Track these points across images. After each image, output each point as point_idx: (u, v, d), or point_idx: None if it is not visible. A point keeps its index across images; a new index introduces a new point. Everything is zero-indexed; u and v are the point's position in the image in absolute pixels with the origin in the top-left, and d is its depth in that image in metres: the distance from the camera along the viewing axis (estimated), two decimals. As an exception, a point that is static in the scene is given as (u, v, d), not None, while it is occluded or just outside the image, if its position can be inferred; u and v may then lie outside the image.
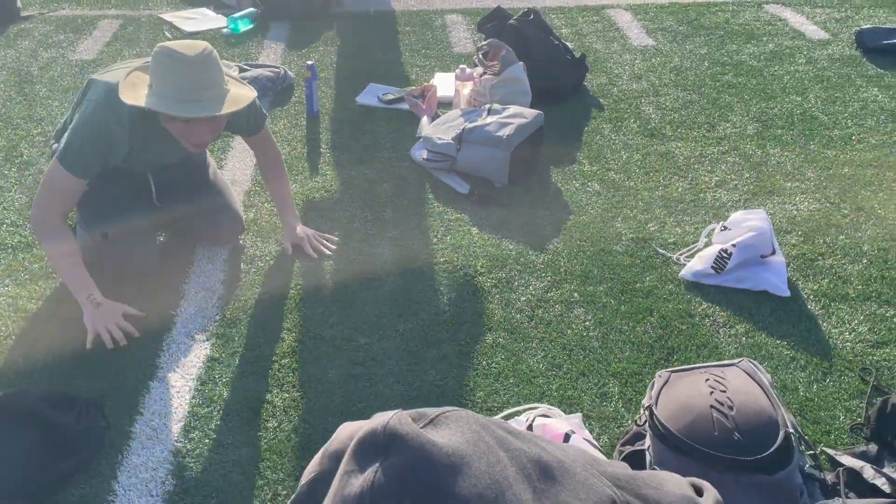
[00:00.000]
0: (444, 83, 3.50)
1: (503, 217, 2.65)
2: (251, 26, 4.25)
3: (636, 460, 1.57)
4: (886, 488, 1.54)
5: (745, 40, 4.22)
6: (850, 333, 2.11)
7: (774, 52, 4.05)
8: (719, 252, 2.28)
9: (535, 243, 2.50)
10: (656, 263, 2.41)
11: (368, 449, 0.79)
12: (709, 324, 2.15)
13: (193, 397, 1.91)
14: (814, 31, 4.34)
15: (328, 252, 2.42)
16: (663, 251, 2.45)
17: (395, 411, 0.83)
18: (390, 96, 3.49)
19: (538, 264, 2.40)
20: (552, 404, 1.87)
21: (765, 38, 4.23)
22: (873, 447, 1.70)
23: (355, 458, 0.80)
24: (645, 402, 1.65)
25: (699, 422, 1.43)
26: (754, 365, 1.64)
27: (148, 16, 4.44)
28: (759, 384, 1.55)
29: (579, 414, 1.81)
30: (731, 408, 1.45)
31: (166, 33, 4.17)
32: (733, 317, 2.18)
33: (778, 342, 2.08)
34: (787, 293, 2.24)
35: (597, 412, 1.86)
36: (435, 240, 2.52)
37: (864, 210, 2.67)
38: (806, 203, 2.72)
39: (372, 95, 3.53)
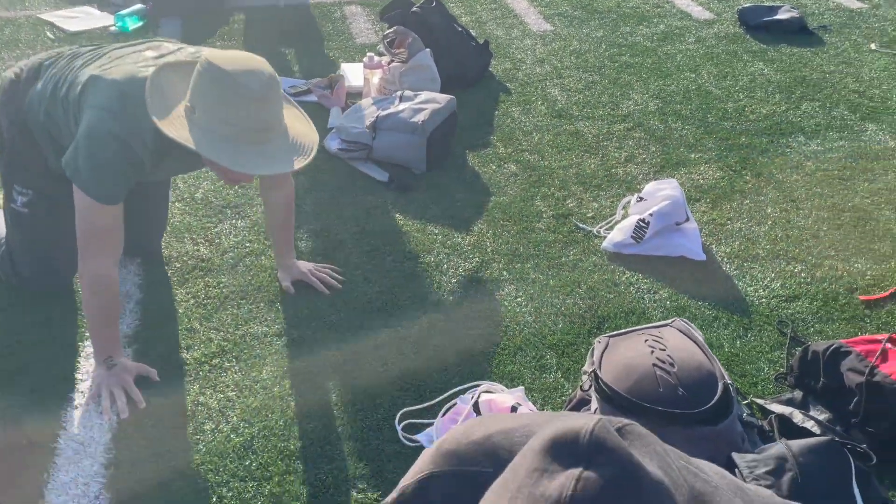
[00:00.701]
0: (351, 73, 3.46)
1: (425, 202, 2.64)
2: (140, 23, 4.06)
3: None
4: (816, 430, 1.64)
5: (636, 22, 4.36)
6: (763, 290, 2.22)
7: (665, 33, 4.21)
8: (637, 222, 2.36)
9: (459, 226, 2.51)
10: (578, 238, 2.46)
11: (568, 451, 0.71)
12: (634, 291, 2.22)
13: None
14: (699, 12, 4.54)
15: (339, 285, 2.20)
16: (583, 225, 2.51)
17: (596, 417, 0.76)
18: (298, 88, 3.42)
19: (465, 246, 2.41)
20: (493, 380, 1.89)
21: (655, 20, 4.40)
22: (798, 394, 1.80)
23: (550, 457, 0.72)
24: (586, 367, 1.68)
25: (644, 380, 1.48)
26: (687, 323, 1.70)
27: (26, 17, 4.17)
28: (694, 341, 1.61)
29: (521, 387, 1.83)
30: (672, 364, 1.50)
31: (48, 34, 3.92)
32: (656, 283, 2.25)
33: (700, 303, 2.17)
34: (703, 257, 2.34)
35: (538, 384, 1.89)
36: (357, 228, 2.49)
37: (763, 175, 2.82)
38: (710, 172, 2.84)
39: (277, 89, 3.44)
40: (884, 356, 1.70)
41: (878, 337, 1.79)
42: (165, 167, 1.82)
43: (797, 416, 1.68)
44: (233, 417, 1.79)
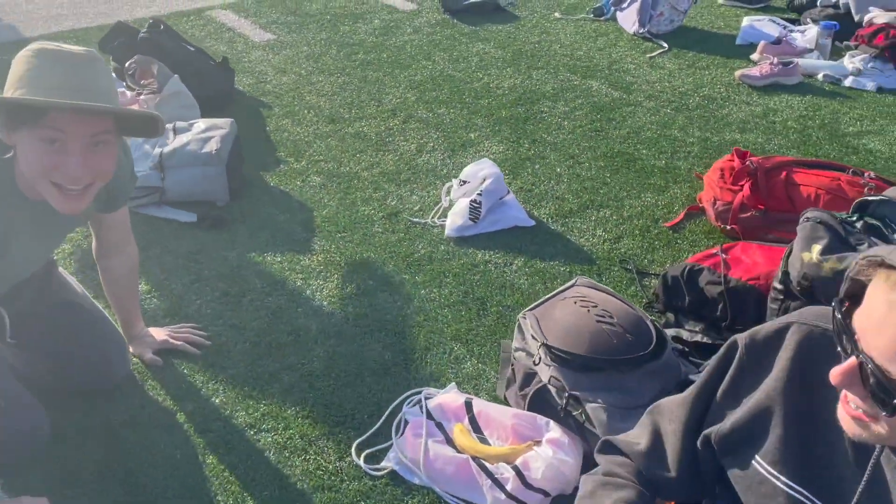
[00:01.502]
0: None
1: (249, 233, 2.49)
2: None
3: (539, 398, 1.69)
4: (706, 339, 1.92)
5: (352, 21, 4.47)
6: (592, 238, 2.49)
7: (384, 28, 4.38)
8: (470, 203, 2.48)
9: (299, 249, 2.42)
10: (418, 231, 2.52)
11: None
12: (493, 267, 2.35)
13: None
14: (402, 4, 4.78)
15: (206, 342, 2.00)
16: (417, 219, 2.57)
17: None
18: None
19: (316, 266, 2.33)
20: (418, 387, 1.89)
21: (368, 17, 4.54)
22: (670, 316, 2.08)
23: None
24: (519, 344, 1.77)
25: (597, 338, 1.61)
26: (587, 279, 1.87)
27: None
28: (606, 292, 1.78)
29: (452, 384, 1.86)
30: (611, 317, 1.65)
31: None
32: (506, 255, 2.40)
33: (551, 263, 2.37)
34: (532, 222, 2.55)
35: (462, 376, 1.93)
36: (191, 278, 2.27)
37: (538, 140, 3.12)
38: (494, 146, 3.07)
39: None
40: (726, 265, 2.04)
41: (713, 251, 2.13)
42: (18, 241, 1.49)
43: (685, 334, 1.95)
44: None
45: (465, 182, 2.56)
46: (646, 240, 2.48)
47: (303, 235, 2.49)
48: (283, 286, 2.25)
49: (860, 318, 0.85)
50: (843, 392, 0.88)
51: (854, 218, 1.84)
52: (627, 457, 1.16)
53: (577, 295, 1.74)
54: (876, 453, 0.92)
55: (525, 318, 1.78)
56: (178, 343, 1.97)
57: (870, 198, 1.85)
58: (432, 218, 2.58)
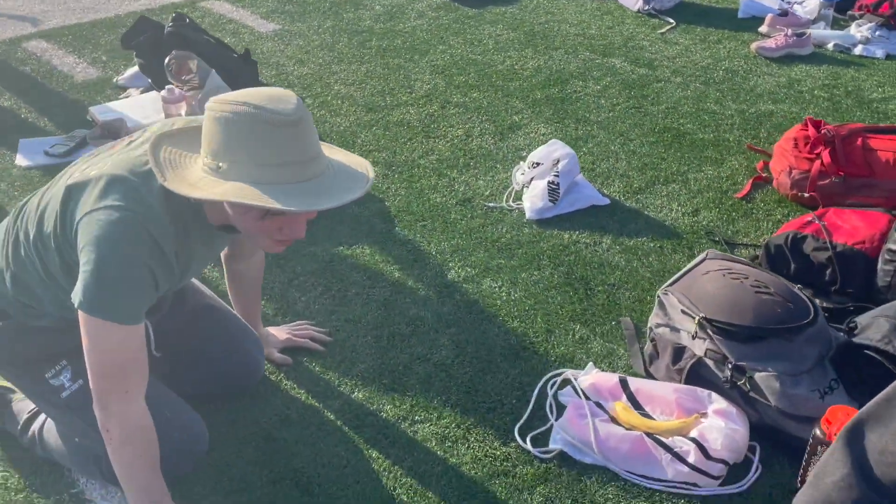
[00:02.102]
0: (138, 110, 2.95)
1: (327, 227, 2.44)
2: None
3: (694, 372, 1.72)
4: (826, 304, 1.97)
5: (353, 7, 4.39)
6: (670, 213, 2.53)
7: (387, 13, 4.31)
8: (548, 185, 2.49)
9: (382, 239, 2.38)
10: (497, 216, 2.51)
11: None
12: (584, 247, 2.36)
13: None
14: (401, -12, 4.73)
15: (328, 337, 1.97)
16: (492, 204, 2.56)
17: None
18: (65, 146, 2.82)
19: (408, 256, 2.31)
20: (554, 368, 1.89)
21: (366, 3, 4.46)
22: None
23: None
24: (659, 320, 1.80)
25: (761, 307, 1.64)
26: (716, 252, 1.90)
27: None
28: (744, 263, 1.82)
29: (590, 363, 1.88)
30: (767, 287, 1.68)
31: None
32: (592, 234, 2.42)
33: (638, 239, 2.39)
34: (607, 200, 2.57)
35: (593, 356, 1.94)
36: (289, 277, 2.21)
37: (581, 120, 3.14)
38: (542, 127, 3.08)
39: (34, 153, 2.81)
40: (827, 231, 2.10)
41: (806, 218, 2.20)
42: (189, 258, 1.44)
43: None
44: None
45: (537, 164, 2.56)
46: (722, 211, 2.53)
47: (383, 226, 2.45)
48: (383, 278, 2.21)
49: None
50: None
51: None
52: None
53: (722, 268, 1.77)
54: None
55: (667, 294, 1.80)
56: (302, 341, 1.93)
57: None
58: (507, 202, 2.57)
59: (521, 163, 2.64)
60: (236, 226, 1.38)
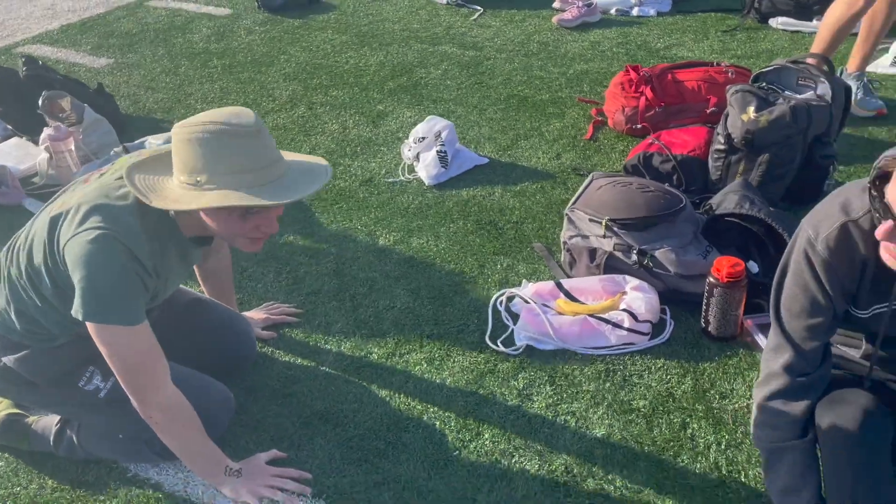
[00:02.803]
0: (10, 158, 2.94)
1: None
2: None
3: (609, 264, 2.18)
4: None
5: (179, 33, 4.51)
6: (539, 160, 3.01)
7: (216, 34, 4.48)
8: (437, 154, 2.87)
9: (306, 223, 2.64)
10: (400, 188, 2.85)
11: None
12: (482, 199, 2.77)
13: None
14: (216, 10, 4.88)
15: (300, 310, 2.21)
16: (391, 179, 2.90)
17: None
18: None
19: (336, 231, 2.59)
20: (496, 291, 2.28)
21: (191, 27, 4.59)
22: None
23: None
24: (571, 232, 2.24)
25: (648, 202, 2.12)
26: (599, 172, 2.38)
27: None
28: (622, 175, 2.31)
29: (524, 280, 2.28)
30: (648, 187, 2.18)
31: None
32: (484, 188, 2.83)
33: (523, 184, 2.84)
34: (486, 160, 3.00)
35: (521, 276, 2.35)
36: (243, 267, 2.41)
37: (439, 100, 3.55)
38: (407, 111, 3.45)
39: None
40: (666, 147, 2.66)
41: (648, 140, 2.74)
42: (167, 273, 1.63)
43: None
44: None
45: (422, 139, 2.93)
46: (577, 152, 3.05)
47: (303, 215, 2.71)
48: (323, 254, 2.48)
49: (892, 196, 1.23)
50: (884, 242, 1.27)
51: (756, 85, 2.54)
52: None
53: (610, 181, 2.25)
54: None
55: (573, 210, 2.25)
56: (279, 317, 2.16)
57: (764, 69, 2.56)
58: (403, 175, 2.92)
59: (407, 140, 3.00)
60: (216, 232, 1.57)
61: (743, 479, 1.67)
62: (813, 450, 1.46)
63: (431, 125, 2.96)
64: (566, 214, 2.29)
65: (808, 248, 1.41)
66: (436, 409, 1.90)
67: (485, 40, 4.23)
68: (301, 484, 1.70)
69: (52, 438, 1.79)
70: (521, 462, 1.75)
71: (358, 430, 1.86)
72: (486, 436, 1.83)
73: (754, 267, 2.11)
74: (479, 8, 4.71)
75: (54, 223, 1.53)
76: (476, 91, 3.62)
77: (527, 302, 2.14)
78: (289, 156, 1.62)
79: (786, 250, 1.49)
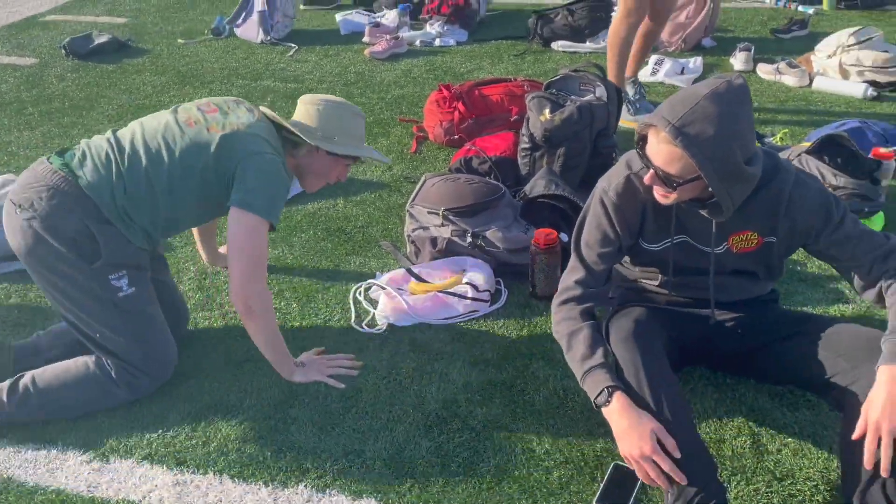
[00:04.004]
0: None
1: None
2: None
3: (449, 249, 2.53)
4: (499, 192, 2.94)
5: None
6: (375, 172, 3.32)
7: (27, 83, 4.41)
8: (280, 175, 3.10)
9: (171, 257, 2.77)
10: (248, 209, 3.04)
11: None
12: (326, 211, 3.03)
13: None
14: (21, 60, 4.79)
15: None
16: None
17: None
18: None
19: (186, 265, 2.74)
20: (354, 284, 2.55)
21: (-2, 75, 4.48)
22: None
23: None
24: (413, 226, 2.57)
25: (475, 191, 2.50)
26: (430, 174, 2.73)
27: None
28: (448, 173, 2.68)
29: (377, 272, 2.57)
30: (472, 180, 2.56)
31: None
32: (324, 202, 3.10)
33: (363, 194, 3.14)
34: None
35: (374, 270, 2.64)
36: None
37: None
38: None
39: None
40: (482, 151, 3.08)
41: (467, 147, 3.15)
42: None
43: (484, 196, 2.95)
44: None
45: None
46: (406, 163, 3.40)
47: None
48: (184, 272, 2.62)
49: (649, 151, 1.64)
50: (654, 187, 1.69)
51: (548, 92, 3.03)
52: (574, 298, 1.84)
53: (441, 178, 2.61)
54: (674, 211, 1.81)
55: (413, 206, 2.58)
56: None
57: (553, 79, 3.06)
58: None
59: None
60: (312, 171, 2.15)
61: (577, 399, 2.06)
62: (598, 330, 1.81)
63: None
64: (407, 211, 2.62)
65: (603, 195, 1.84)
66: (316, 386, 2.14)
67: (304, 73, 4.52)
68: (352, 361, 2.19)
69: (6, 388, 1.99)
70: (398, 415, 2.03)
71: (248, 415, 2.05)
72: (365, 399, 2.09)
73: (565, 237, 2.55)
74: (293, 45, 5.00)
75: (226, 140, 1.96)
76: (304, 119, 3.88)
77: (383, 288, 2.43)
78: None
79: (586, 202, 1.91)
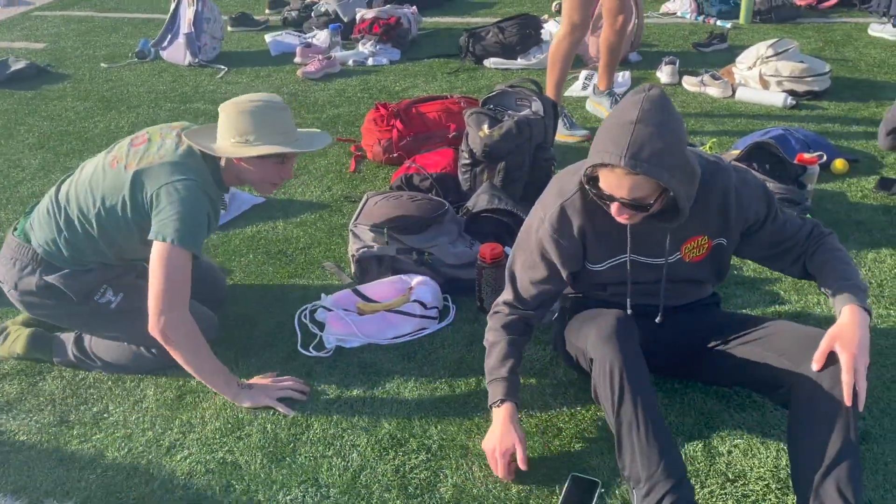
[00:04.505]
0: None
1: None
2: None
3: (395, 267, 2.50)
4: (441, 208, 2.93)
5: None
6: (314, 193, 3.27)
7: None
8: (215, 199, 3.02)
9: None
10: (183, 234, 2.95)
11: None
12: (267, 232, 2.96)
13: None
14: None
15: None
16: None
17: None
18: None
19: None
20: (299, 308, 2.49)
21: None
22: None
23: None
24: (357, 246, 2.53)
25: (420, 208, 2.47)
26: (373, 191, 2.70)
27: None
28: (389, 191, 2.66)
29: (322, 294, 2.52)
30: (416, 196, 2.54)
31: None
32: (266, 223, 3.03)
33: (304, 215, 3.08)
34: (263, 199, 3.20)
35: (319, 293, 2.58)
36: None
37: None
38: (172, 166, 3.53)
39: None
40: (423, 168, 3.07)
41: (407, 164, 3.14)
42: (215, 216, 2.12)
43: (426, 213, 2.94)
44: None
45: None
46: (345, 183, 3.36)
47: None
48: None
49: (608, 187, 1.64)
50: (620, 215, 1.67)
51: (486, 107, 3.04)
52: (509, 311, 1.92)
53: (383, 196, 2.58)
54: (628, 230, 1.82)
55: (356, 226, 2.54)
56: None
57: (489, 95, 3.07)
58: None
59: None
60: (252, 179, 2.09)
61: (531, 413, 2.05)
62: (514, 344, 1.91)
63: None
64: (351, 230, 2.58)
65: (539, 226, 1.86)
66: (264, 414, 2.07)
67: (235, 95, 4.42)
68: (301, 385, 2.13)
69: (71, 344, 2.23)
70: (351, 439, 1.98)
71: (192, 450, 1.96)
72: (317, 426, 2.03)
73: (510, 250, 2.55)
74: (223, 67, 4.91)
75: (138, 176, 1.99)
76: (238, 141, 3.80)
77: (329, 310, 2.38)
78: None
79: (523, 225, 1.92)
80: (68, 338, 2.27)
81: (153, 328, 1.96)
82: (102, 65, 5.03)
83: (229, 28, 5.72)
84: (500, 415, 1.86)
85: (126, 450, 1.97)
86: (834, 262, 1.80)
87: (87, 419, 2.08)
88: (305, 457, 1.93)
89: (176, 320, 1.96)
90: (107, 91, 4.54)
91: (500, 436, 1.84)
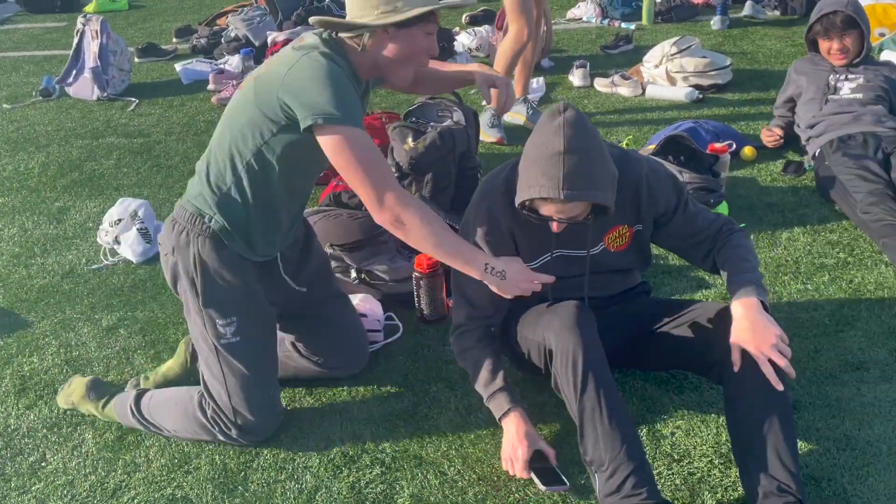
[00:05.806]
0: None
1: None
2: None
3: (328, 285, 2.50)
4: (372, 224, 2.94)
5: None
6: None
7: None
8: (139, 231, 2.94)
9: (12, 329, 2.54)
10: (107, 273, 2.86)
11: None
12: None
13: None
14: None
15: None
16: (96, 266, 2.89)
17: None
18: None
19: (52, 331, 2.53)
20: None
21: None
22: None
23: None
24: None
25: (359, 227, 2.48)
26: (310, 209, 2.68)
27: None
28: (325, 209, 2.65)
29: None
30: (355, 214, 2.54)
31: None
32: (193, 255, 2.97)
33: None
34: (187, 230, 3.13)
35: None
36: None
37: (123, 187, 3.57)
38: (90, 203, 3.42)
39: None
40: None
41: (333, 185, 3.13)
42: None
43: (357, 229, 2.94)
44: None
45: (119, 220, 2.98)
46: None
47: (6, 319, 2.60)
48: (46, 347, 2.42)
49: (549, 212, 1.73)
50: (558, 228, 1.78)
51: (408, 120, 3.07)
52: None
53: (321, 215, 2.56)
54: (554, 230, 1.86)
55: (331, 247, 2.52)
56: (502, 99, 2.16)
57: (411, 108, 3.10)
58: (106, 259, 2.94)
59: (102, 225, 3.01)
60: (396, 58, 1.82)
61: (479, 416, 2.07)
62: (496, 354, 1.95)
63: (125, 206, 3.03)
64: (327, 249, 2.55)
65: (472, 231, 1.91)
66: (211, 446, 2.03)
67: (149, 127, 4.34)
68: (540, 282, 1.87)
69: (131, 401, 2.06)
70: (303, 461, 1.96)
71: (138, 491, 1.91)
72: (266, 450, 2.00)
73: (445, 259, 2.58)
74: (133, 99, 4.79)
75: (258, 81, 1.78)
76: (157, 173, 3.73)
77: (269, 334, 2.36)
78: None
79: (458, 233, 1.95)
80: (129, 393, 2.13)
81: (379, 217, 1.74)
82: (5, 105, 4.84)
83: (136, 59, 5.58)
84: (514, 423, 1.87)
85: (69, 497, 1.90)
86: (734, 259, 1.87)
87: (23, 470, 1.99)
88: (258, 484, 1.90)
89: (399, 194, 1.73)
90: (12, 132, 4.37)
91: (525, 443, 1.83)
